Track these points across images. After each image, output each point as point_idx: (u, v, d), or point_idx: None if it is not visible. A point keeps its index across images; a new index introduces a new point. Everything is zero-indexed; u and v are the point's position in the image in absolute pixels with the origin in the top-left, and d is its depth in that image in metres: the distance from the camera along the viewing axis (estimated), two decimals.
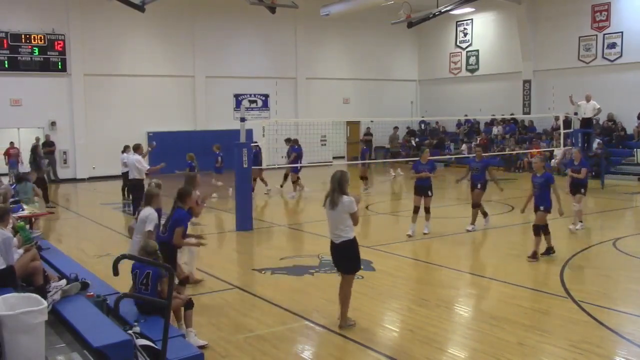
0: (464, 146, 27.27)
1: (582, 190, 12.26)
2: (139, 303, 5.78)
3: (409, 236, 11.64)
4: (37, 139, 21.13)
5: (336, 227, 6.70)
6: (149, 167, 13.98)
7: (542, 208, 9.93)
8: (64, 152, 23.62)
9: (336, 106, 29.24)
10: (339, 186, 6.65)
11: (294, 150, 18.37)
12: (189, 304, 6.32)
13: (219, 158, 17.89)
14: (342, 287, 6.91)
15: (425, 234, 11.79)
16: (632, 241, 11.25)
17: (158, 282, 5.84)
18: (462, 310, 7.68)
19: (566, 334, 6.56)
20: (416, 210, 11.80)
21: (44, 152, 22.35)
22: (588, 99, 19.55)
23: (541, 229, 9.91)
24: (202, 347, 6.09)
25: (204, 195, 8.54)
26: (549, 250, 10.05)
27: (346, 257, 6.78)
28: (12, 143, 22.70)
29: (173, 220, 6.84)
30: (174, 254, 6.93)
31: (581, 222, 12.35)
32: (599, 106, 19.44)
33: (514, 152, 24.11)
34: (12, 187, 12.45)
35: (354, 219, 6.69)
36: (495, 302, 7.90)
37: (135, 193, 13.40)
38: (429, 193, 11.80)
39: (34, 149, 17.01)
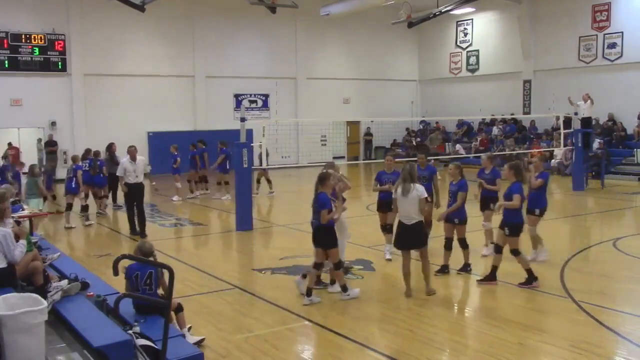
0: (457, 146, 27.26)
1: (492, 206, 9.57)
2: (138, 304, 5.77)
3: (389, 260, 9.87)
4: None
5: (409, 210, 7.77)
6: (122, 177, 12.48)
7: (456, 221, 8.93)
8: (64, 152, 23.58)
9: (336, 106, 29.22)
10: (410, 176, 7.80)
11: (223, 152, 17.78)
12: (178, 308, 6.23)
13: (178, 159, 17.67)
14: (423, 260, 8.03)
15: (388, 259, 9.85)
16: (632, 241, 11.24)
17: (160, 282, 5.87)
18: (462, 310, 7.68)
19: (566, 334, 6.56)
20: (385, 229, 9.94)
21: (47, 151, 22.37)
22: (585, 99, 19.50)
23: (460, 242, 9.05)
24: (199, 342, 6.15)
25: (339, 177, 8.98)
26: (466, 267, 9.12)
27: (417, 234, 7.87)
28: (9, 144, 22.61)
29: (318, 204, 7.64)
30: (332, 236, 7.71)
31: (487, 246, 10.18)
32: (592, 104, 19.45)
33: (514, 152, 24.11)
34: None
35: (422, 205, 7.79)
36: (495, 302, 7.90)
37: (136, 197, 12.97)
38: (392, 208, 9.43)
39: (110, 147, 16.98)
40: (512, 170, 8.39)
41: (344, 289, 7.84)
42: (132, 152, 12.70)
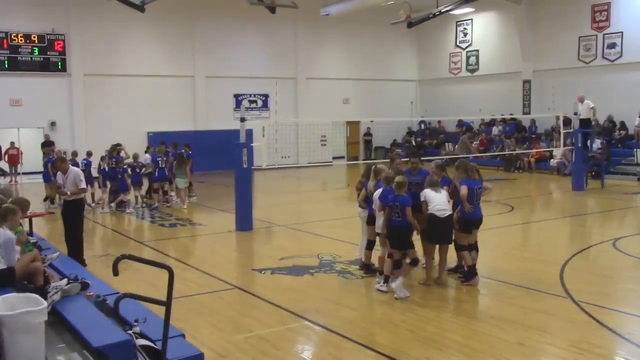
0: (456, 147, 27.19)
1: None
2: None
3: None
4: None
5: (443, 201, 8.26)
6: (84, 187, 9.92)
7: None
8: (64, 152, 23.54)
9: (336, 106, 29.23)
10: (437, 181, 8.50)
11: (173, 155, 17.21)
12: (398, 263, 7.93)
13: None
14: (442, 254, 8.51)
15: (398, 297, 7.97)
16: (632, 241, 11.24)
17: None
18: (462, 310, 7.68)
19: (566, 334, 6.55)
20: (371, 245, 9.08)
21: (43, 151, 22.30)
22: (581, 100, 19.36)
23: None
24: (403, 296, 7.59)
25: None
26: (457, 268, 8.89)
27: (449, 229, 8.31)
28: (12, 143, 22.67)
29: (400, 203, 7.97)
30: (408, 234, 8.15)
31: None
32: (592, 105, 19.24)
33: (514, 152, 24.11)
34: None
35: (450, 198, 8.56)
36: (495, 302, 7.90)
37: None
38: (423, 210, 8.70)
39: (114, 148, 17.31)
40: (459, 169, 8.58)
41: (386, 279, 8.17)
42: (59, 164, 9.92)
